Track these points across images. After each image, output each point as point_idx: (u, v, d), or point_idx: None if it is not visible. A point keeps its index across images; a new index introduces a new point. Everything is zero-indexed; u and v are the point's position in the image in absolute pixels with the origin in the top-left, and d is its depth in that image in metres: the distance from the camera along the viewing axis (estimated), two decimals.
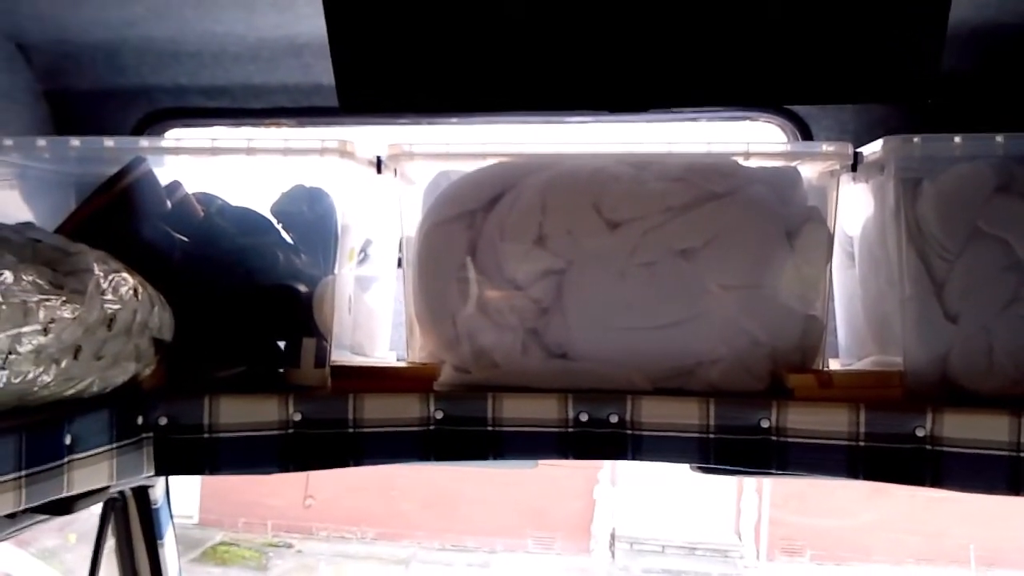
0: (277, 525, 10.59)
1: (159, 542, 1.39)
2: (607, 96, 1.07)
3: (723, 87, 1.06)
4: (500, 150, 1.19)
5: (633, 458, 1.09)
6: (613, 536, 10.37)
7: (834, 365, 1.20)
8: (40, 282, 0.91)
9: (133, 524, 1.35)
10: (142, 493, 1.37)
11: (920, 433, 0.99)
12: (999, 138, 1.05)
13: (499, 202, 1.17)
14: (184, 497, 10.22)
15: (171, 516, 1.44)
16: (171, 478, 1.45)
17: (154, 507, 1.38)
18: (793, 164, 1.15)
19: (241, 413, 1.07)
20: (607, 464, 10.27)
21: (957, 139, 1.06)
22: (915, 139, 1.06)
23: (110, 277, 1.01)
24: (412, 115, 1.39)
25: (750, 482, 10.15)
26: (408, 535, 10.48)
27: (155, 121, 1.56)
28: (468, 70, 1.06)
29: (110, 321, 0.99)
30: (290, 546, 10.46)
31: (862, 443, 1.01)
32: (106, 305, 0.98)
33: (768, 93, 1.06)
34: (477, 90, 1.08)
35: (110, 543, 1.38)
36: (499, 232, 1.16)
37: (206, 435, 1.07)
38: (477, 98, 1.09)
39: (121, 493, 1.33)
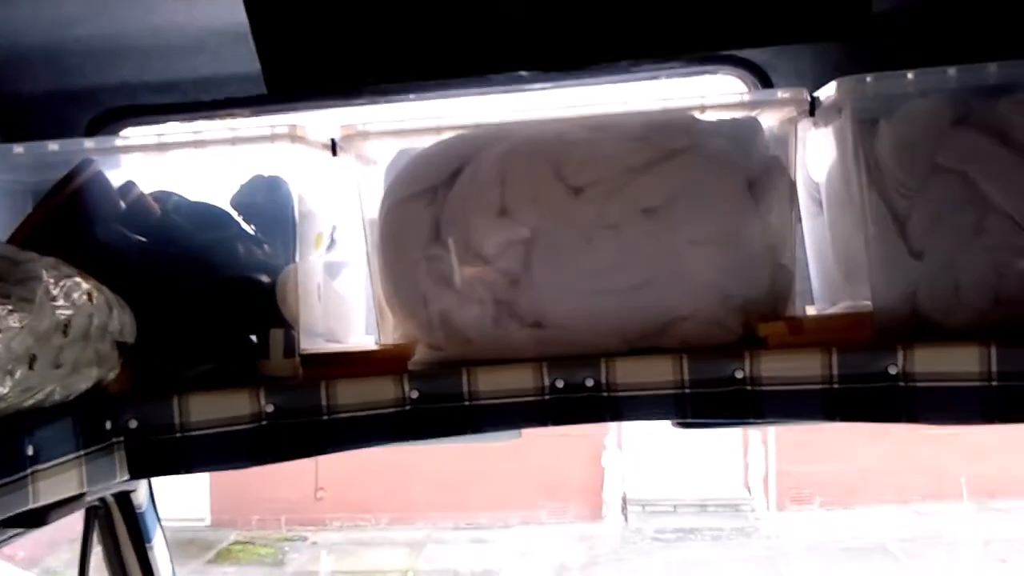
0: (291, 519, 10.67)
1: (148, 545, 1.38)
2: (540, 55, 1.05)
3: (657, 37, 1.04)
4: (456, 123, 1.17)
5: (612, 419, 1.09)
6: (624, 500, 10.49)
7: (811, 312, 1.20)
8: None
9: (119, 530, 1.35)
10: (124, 498, 1.36)
11: (892, 371, 0.99)
12: (951, 71, 1.03)
13: (459, 176, 1.15)
14: (194, 500, 10.28)
15: (158, 518, 1.44)
16: (158, 481, 1.44)
17: (139, 511, 1.37)
18: (752, 114, 1.14)
19: (212, 410, 1.06)
20: (612, 431, 10.37)
21: (910, 75, 1.04)
22: (868, 78, 1.04)
23: (61, 283, 0.99)
24: (340, 93, 1.36)
25: (755, 435, 10.27)
26: (422, 517, 10.57)
27: (107, 122, 1.53)
28: (392, 40, 1.03)
29: (65, 327, 0.97)
30: (305, 539, 10.54)
31: (836, 385, 1.01)
32: (58, 312, 0.96)
33: (702, 39, 1.04)
34: (404, 60, 1.05)
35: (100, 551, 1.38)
36: (462, 206, 1.14)
37: (178, 435, 1.06)
38: (404, 68, 1.07)
39: (102, 500, 1.32)
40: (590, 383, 1.06)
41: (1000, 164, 1.04)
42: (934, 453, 9.64)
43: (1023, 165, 1.03)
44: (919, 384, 0.98)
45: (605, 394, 1.07)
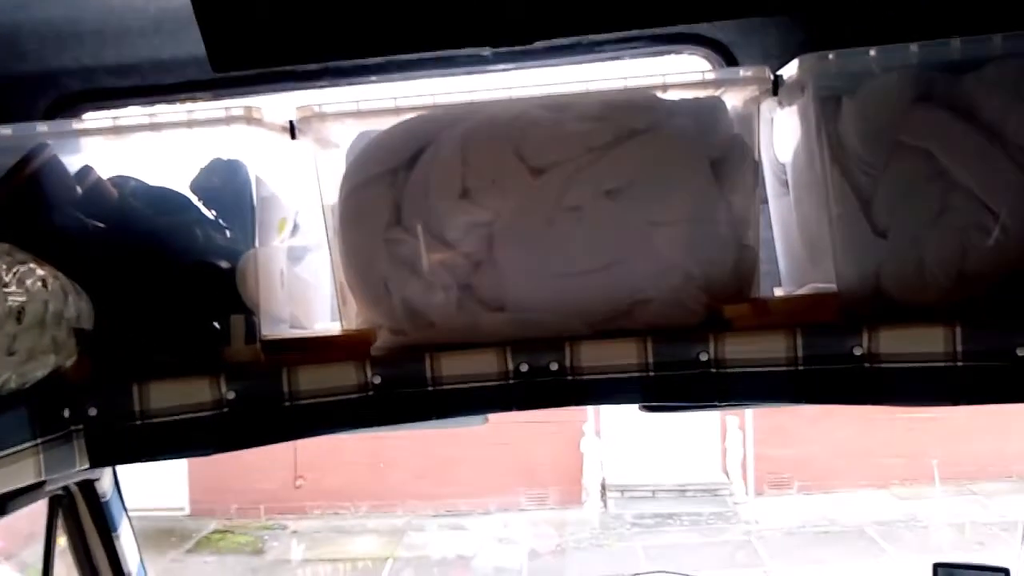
0: (270, 508, 10.62)
1: (114, 535, 1.36)
2: (496, 30, 1.03)
3: (616, 9, 1.02)
4: (416, 103, 1.15)
5: (577, 403, 1.08)
6: (604, 486, 10.55)
7: (778, 294, 1.20)
8: None
9: (84, 520, 1.33)
10: (88, 487, 1.34)
11: (857, 352, 0.99)
12: (913, 47, 1.03)
13: (420, 158, 1.13)
14: (173, 489, 10.20)
15: (124, 506, 1.42)
16: (137, 471, 1.42)
17: (103, 500, 1.35)
18: (715, 93, 1.13)
19: (172, 397, 1.04)
20: (591, 417, 10.41)
21: (872, 52, 1.04)
22: (830, 55, 1.04)
23: (14, 269, 0.97)
24: (297, 76, 1.34)
25: (733, 420, 10.36)
26: (401, 505, 10.57)
27: (66, 106, 1.49)
28: (342, 15, 1.01)
29: (19, 314, 0.95)
30: (284, 527, 10.51)
31: (801, 367, 1.01)
32: (11, 298, 0.94)
33: (662, 11, 1.03)
34: (354, 36, 1.03)
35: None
36: (423, 189, 1.13)
37: (139, 422, 1.04)
38: (355, 44, 1.04)
39: (66, 489, 1.30)
40: (554, 367, 1.06)
41: (963, 141, 1.04)
42: (911, 436, 9.77)
43: (986, 142, 1.04)
44: (884, 365, 0.99)
45: (570, 378, 1.06)
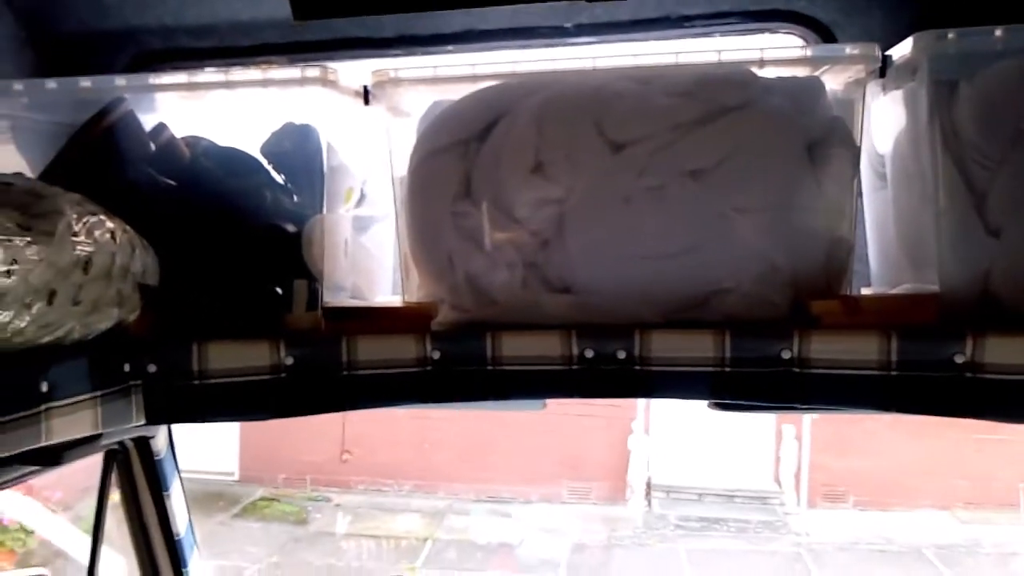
0: (316, 480, 10.85)
1: (165, 494, 1.37)
2: None
3: None
4: (493, 71, 1.11)
5: (644, 395, 1.02)
6: (649, 485, 10.41)
7: (867, 294, 1.11)
8: (8, 224, 0.87)
9: (137, 476, 1.34)
10: (144, 444, 1.34)
11: (959, 360, 0.91)
12: None
13: (493, 129, 1.08)
14: (224, 454, 10.52)
15: (176, 467, 1.43)
16: (189, 433, 1.43)
17: (157, 458, 1.36)
18: (815, 74, 1.05)
19: (232, 359, 1.03)
20: (640, 413, 10.27)
21: (998, 32, 0.94)
22: (949, 34, 0.95)
23: (84, 219, 0.96)
24: (374, 42, 1.29)
25: (789, 428, 10.06)
26: (444, 487, 10.65)
27: (143, 64, 1.50)
28: None
29: (85, 264, 0.94)
30: (328, 500, 10.72)
31: (894, 372, 0.93)
32: (79, 248, 0.93)
33: None
34: None
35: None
36: (494, 161, 1.08)
37: (196, 382, 1.03)
38: None
39: (121, 444, 1.31)
40: (622, 355, 1.00)
41: None
42: (982, 456, 9.30)
43: None
44: (988, 376, 0.90)
45: (638, 368, 1.00)
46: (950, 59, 0.97)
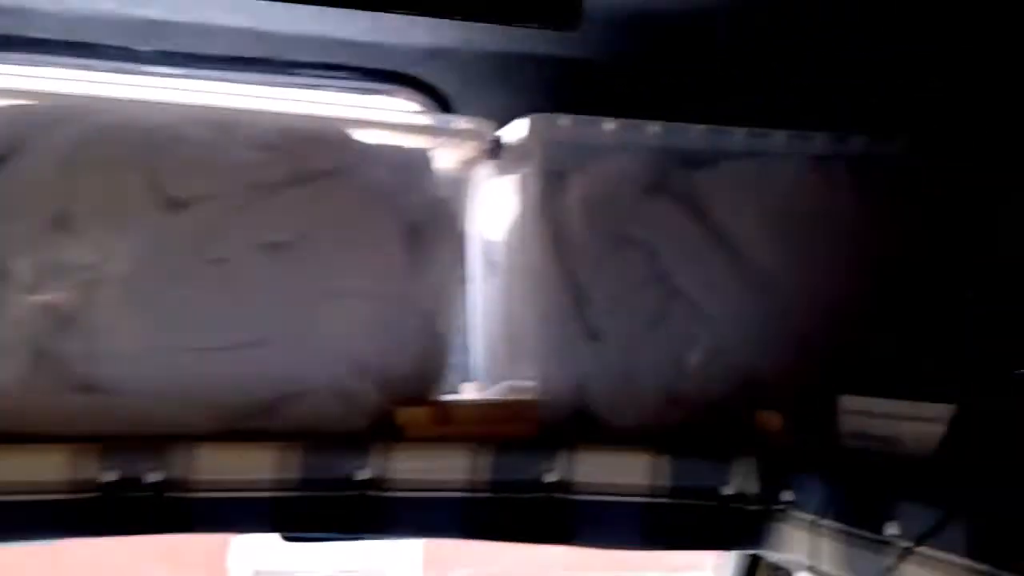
0: None
1: None
2: None
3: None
4: (11, 86, 0.82)
5: (183, 530, 0.78)
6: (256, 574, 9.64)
7: (470, 390, 0.98)
8: None
9: None
10: None
11: (549, 479, 0.81)
12: (656, 127, 0.90)
13: (3, 165, 0.80)
14: None
15: None
16: None
17: None
18: (424, 146, 0.92)
19: None
20: None
21: (611, 125, 0.89)
22: (563, 119, 0.88)
23: None
24: None
25: None
26: None
27: None
28: None
29: None
30: None
31: (483, 494, 0.80)
32: None
33: None
34: None
35: None
36: (3, 209, 0.79)
37: None
38: None
39: None
40: (154, 477, 0.75)
41: (689, 241, 0.92)
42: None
43: (713, 246, 0.93)
44: (577, 497, 0.81)
45: (176, 495, 0.76)
46: (564, 147, 0.90)
